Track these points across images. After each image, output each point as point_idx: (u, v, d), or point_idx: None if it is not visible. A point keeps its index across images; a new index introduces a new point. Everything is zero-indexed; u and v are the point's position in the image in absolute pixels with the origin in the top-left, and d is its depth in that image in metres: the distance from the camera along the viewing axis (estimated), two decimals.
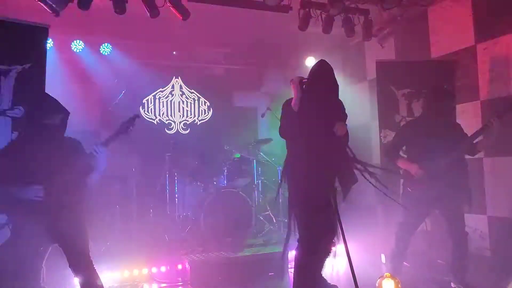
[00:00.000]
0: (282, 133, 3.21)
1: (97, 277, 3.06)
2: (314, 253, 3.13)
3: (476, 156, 4.03)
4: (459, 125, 4.00)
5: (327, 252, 3.27)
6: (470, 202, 3.88)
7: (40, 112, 3.02)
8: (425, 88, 5.05)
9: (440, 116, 3.80)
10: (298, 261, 3.24)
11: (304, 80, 3.07)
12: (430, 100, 3.92)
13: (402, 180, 4.21)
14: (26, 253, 2.97)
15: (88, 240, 3.11)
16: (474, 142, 3.78)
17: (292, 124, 3.12)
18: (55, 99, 3.12)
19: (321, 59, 3.25)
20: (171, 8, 4.84)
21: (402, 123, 5.06)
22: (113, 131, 3.18)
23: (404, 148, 4.07)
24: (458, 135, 3.85)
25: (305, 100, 3.03)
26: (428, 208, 3.85)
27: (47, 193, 2.91)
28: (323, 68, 3.16)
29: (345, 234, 2.85)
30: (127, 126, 3.20)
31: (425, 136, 3.73)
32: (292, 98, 3.12)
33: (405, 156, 4.02)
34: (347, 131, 3.10)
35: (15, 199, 2.89)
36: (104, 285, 3.16)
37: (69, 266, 2.99)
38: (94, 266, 3.08)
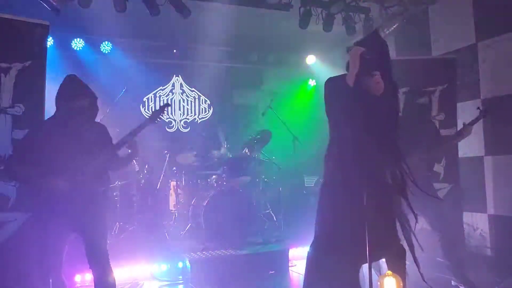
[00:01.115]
0: (331, 112, 2.78)
1: (111, 272, 3.05)
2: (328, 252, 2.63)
3: (476, 154, 4.03)
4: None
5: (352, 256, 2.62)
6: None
7: (66, 96, 2.99)
8: (426, 87, 5.06)
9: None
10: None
11: (364, 53, 2.64)
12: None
13: None
14: (54, 243, 2.97)
15: (107, 234, 3.11)
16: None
17: (344, 102, 2.67)
18: (81, 82, 3.10)
19: (374, 31, 2.90)
20: (172, 6, 4.84)
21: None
22: (143, 120, 3.20)
23: None
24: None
25: (363, 75, 2.61)
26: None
27: (75, 183, 2.91)
28: (379, 42, 2.75)
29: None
30: (157, 115, 3.23)
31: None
32: (343, 75, 2.73)
33: None
34: None
35: (43, 190, 2.89)
36: None
37: (87, 258, 2.98)
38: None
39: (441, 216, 3.76)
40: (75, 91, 3.04)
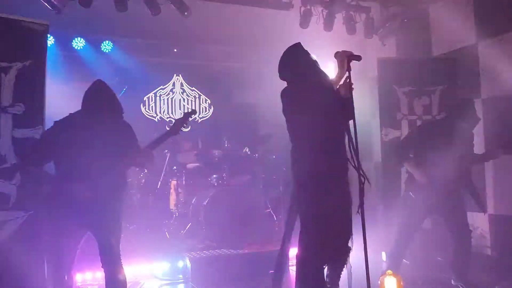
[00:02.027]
0: (303, 116, 2.75)
1: (123, 270, 3.06)
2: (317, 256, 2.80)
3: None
4: (471, 136, 3.94)
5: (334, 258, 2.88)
6: (481, 205, 3.91)
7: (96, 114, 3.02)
8: (426, 86, 5.06)
9: (460, 123, 3.77)
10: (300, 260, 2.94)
11: (353, 56, 2.71)
12: (455, 108, 3.93)
13: (403, 183, 4.21)
14: (68, 242, 2.99)
15: (121, 233, 3.11)
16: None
17: (330, 105, 2.71)
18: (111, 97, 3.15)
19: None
20: (172, 5, 4.84)
21: (403, 121, 5.06)
22: (165, 132, 3.15)
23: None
24: (468, 145, 3.84)
25: (348, 79, 2.69)
26: (428, 213, 3.87)
27: (97, 188, 2.90)
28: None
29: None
30: (181, 125, 3.15)
31: (438, 140, 3.69)
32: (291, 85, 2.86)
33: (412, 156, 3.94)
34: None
35: (64, 195, 2.89)
36: (102, 283, 3.16)
37: (100, 256, 2.98)
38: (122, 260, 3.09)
39: (457, 216, 3.76)
40: (106, 104, 3.07)
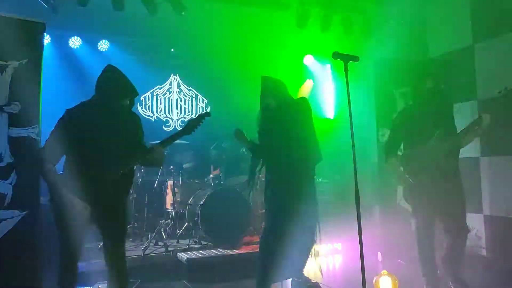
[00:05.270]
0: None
1: (126, 268, 3.06)
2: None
3: (473, 155, 4.01)
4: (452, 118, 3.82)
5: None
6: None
7: (111, 95, 2.98)
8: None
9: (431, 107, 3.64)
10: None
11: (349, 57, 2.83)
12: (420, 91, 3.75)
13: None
14: (81, 238, 2.93)
15: (126, 230, 3.09)
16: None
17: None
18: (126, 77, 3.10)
19: None
20: (169, 4, 4.84)
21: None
22: (178, 131, 3.10)
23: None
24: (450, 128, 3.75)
25: None
26: (433, 203, 3.66)
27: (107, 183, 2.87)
28: None
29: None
30: (194, 125, 3.11)
31: (417, 130, 3.60)
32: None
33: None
34: None
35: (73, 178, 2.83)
36: (100, 282, 3.16)
37: (104, 251, 2.98)
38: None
39: (455, 221, 3.67)
40: (123, 86, 3.06)
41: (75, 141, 2.86)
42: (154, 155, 3.01)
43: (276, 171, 3.55)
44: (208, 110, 7.63)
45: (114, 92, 3.00)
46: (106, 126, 2.93)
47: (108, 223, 2.96)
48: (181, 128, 3.14)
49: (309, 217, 3.52)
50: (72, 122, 2.92)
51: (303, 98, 3.89)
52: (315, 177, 3.69)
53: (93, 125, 2.90)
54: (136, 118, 3.21)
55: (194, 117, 3.19)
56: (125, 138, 2.98)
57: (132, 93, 3.09)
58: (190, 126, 3.12)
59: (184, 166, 6.22)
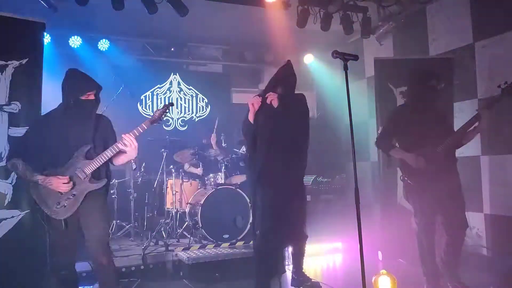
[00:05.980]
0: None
1: (113, 265, 3.12)
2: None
3: (473, 154, 4.00)
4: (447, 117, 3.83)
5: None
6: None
7: (75, 89, 3.02)
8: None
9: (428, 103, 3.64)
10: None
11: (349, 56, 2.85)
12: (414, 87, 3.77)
13: (399, 174, 4.07)
14: (67, 237, 3.02)
15: (109, 227, 3.16)
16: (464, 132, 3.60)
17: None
18: (85, 74, 3.13)
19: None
20: (169, 4, 4.83)
21: None
22: (146, 120, 3.18)
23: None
24: (447, 127, 3.73)
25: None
26: (433, 202, 3.63)
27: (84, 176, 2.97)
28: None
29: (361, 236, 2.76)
30: (161, 114, 3.22)
31: (417, 124, 3.58)
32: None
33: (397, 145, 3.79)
34: None
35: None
36: None
37: (89, 253, 3.02)
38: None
39: (455, 217, 3.64)
40: (83, 82, 3.07)
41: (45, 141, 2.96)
42: (122, 146, 3.04)
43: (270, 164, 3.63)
44: (208, 109, 7.63)
45: (75, 87, 3.04)
46: (72, 129, 3.00)
47: (88, 220, 3.03)
48: (148, 118, 3.22)
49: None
50: (40, 126, 3.07)
51: (302, 94, 3.90)
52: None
53: (59, 126, 2.99)
54: (105, 121, 3.25)
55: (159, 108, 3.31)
56: (92, 135, 3.05)
57: (93, 88, 3.09)
58: (156, 116, 3.23)
59: (185, 165, 6.23)
